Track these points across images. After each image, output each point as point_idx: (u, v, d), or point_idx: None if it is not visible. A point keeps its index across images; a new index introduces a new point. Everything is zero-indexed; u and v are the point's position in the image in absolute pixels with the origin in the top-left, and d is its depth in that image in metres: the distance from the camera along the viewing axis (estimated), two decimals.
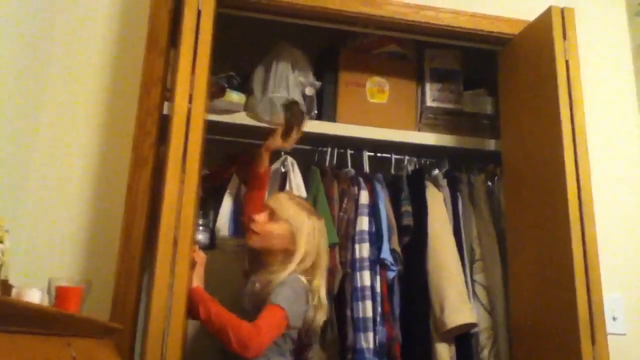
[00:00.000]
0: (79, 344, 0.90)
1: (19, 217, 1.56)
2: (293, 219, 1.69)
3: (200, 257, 1.66)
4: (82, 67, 1.78)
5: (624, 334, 1.87)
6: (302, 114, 2.02)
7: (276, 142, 1.94)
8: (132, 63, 1.78)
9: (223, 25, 1.78)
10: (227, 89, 2.05)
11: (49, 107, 1.71)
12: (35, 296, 1.04)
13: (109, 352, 1.13)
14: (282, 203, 1.73)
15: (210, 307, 1.51)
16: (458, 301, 1.93)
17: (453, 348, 1.94)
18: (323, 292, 1.68)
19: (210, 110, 1.94)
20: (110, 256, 1.59)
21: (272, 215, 1.71)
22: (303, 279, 1.64)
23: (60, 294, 1.15)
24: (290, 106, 2.02)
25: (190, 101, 1.59)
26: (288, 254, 1.67)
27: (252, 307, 1.63)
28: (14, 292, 1.05)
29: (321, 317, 1.68)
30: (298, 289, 1.61)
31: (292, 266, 1.63)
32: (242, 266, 1.88)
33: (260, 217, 1.70)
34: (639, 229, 2.01)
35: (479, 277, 2.05)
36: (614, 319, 1.84)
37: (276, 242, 1.69)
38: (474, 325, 1.94)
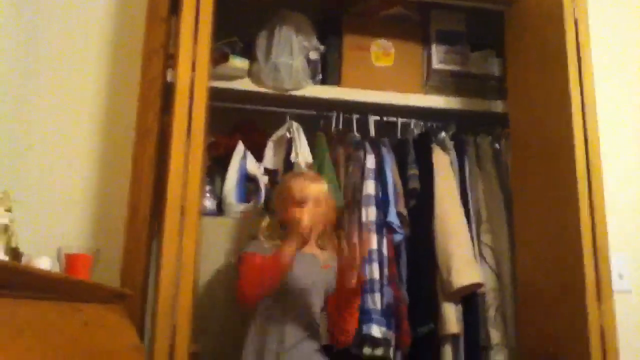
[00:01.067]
0: (90, 310, 0.92)
1: (26, 188, 1.57)
2: (327, 195, 1.78)
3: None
4: (84, 37, 1.76)
5: (630, 291, 1.88)
6: None
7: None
8: (133, 32, 1.76)
9: None
10: (230, 55, 2.04)
11: (51, 78, 1.71)
12: (45, 263, 1.07)
13: (119, 318, 1.16)
14: (321, 189, 1.77)
15: None
16: (465, 262, 1.95)
17: (460, 308, 1.97)
18: None
19: (213, 77, 1.92)
20: (118, 226, 1.61)
21: (317, 203, 1.73)
22: None
23: (69, 262, 1.17)
24: None
25: (193, 69, 1.58)
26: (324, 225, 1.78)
27: (322, 286, 1.71)
28: (24, 259, 1.08)
29: None
30: None
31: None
32: (249, 231, 1.90)
33: (311, 211, 1.71)
34: None
35: (485, 238, 2.07)
36: (620, 276, 1.85)
37: (322, 222, 1.76)
38: (480, 285, 1.96)
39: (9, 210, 1.00)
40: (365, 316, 1.86)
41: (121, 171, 1.66)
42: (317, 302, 1.70)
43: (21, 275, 0.69)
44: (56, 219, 1.60)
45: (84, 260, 1.19)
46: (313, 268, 1.72)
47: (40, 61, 1.70)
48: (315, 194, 1.74)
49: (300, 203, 1.71)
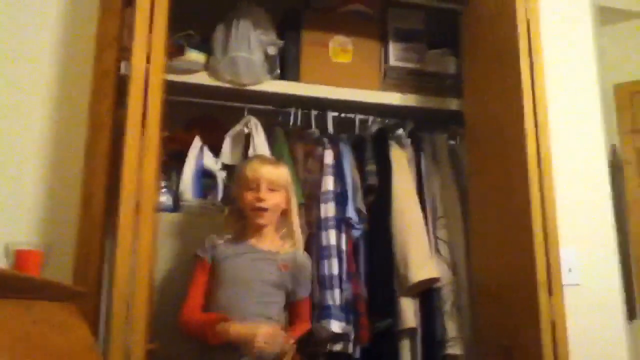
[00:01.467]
0: (40, 308, 0.88)
1: None
2: (287, 182, 1.75)
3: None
4: (35, 29, 1.70)
5: (578, 284, 1.96)
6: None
7: None
8: (86, 24, 1.71)
9: None
10: (187, 48, 2.00)
11: (1, 69, 1.63)
12: None
13: (72, 316, 1.11)
14: (276, 172, 1.73)
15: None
16: (421, 257, 1.98)
17: (417, 302, 1.99)
18: None
19: (169, 70, 1.88)
20: (70, 221, 1.55)
21: (271, 186, 1.70)
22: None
23: (19, 258, 1.12)
24: None
25: (148, 61, 1.53)
26: (284, 213, 1.75)
27: (274, 281, 1.68)
28: None
29: None
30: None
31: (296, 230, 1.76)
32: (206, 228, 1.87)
33: (265, 194, 1.68)
34: (592, 187, 2.08)
35: (441, 233, 2.10)
36: (569, 270, 1.92)
37: (279, 210, 1.74)
38: (436, 280, 1.99)
39: None
40: (324, 312, 1.86)
41: (74, 166, 1.61)
42: (275, 310, 1.68)
43: None
44: (5, 215, 1.53)
45: (34, 257, 1.14)
46: (268, 269, 1.69)
47: None
48: (268, 175, 1.70)
49: (253, 186, 1.69)
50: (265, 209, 1.68)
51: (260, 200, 1.67)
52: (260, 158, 1.84)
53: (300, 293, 1.74)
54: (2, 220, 1.51)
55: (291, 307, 1.75)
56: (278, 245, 1.74)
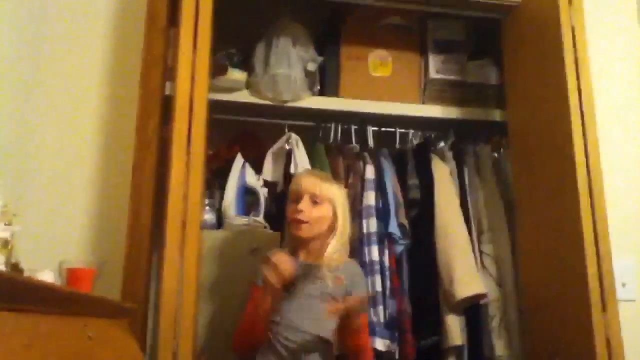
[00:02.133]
0: (95, 324, 0.90)
1: (27, 202, 1.55)
2: (335, 196, 1.67)
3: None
4: (84, 49, 1.76)
5: (634, 300, 1.87)
6: None
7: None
8: (133, 43, 1.76)
9: (221, 1, 1.75)
10: (229, 67, 2.03)
11: (51, 90, 1.70)
12: (47, 277, 1.04)
13: (123, 332, 1.13)
14: (320, 185, 1.67)
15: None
16: (467, 273, 1.93)
17: (463, 319, 1.95)
18: None
19: (212, 89, 1.91)
20: (118, 238, 1.59)
21: (314, 199, 1.65)
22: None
23: (71, 276, 1.15)
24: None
25: (192, 81, 1.57)
26: (331, 229, 1.66)
27: (320, 298, 1.58)
28: (25, 275, 1.05)
29: None
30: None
31: (340, 244, 1.67)
32: (250, 245, 1.88)
33: (305, 205, 1.63)
34: None
35: (486, 248, 2.05)
36: (623, 285, 1.84)
37: (324, 224, 1.65)
38: (483, 296, 1.95)
39: (9, 224, 0.98)
40: (369, 329, 1.84)
41: (121, 183, 1.65)
42: (330, 325, 1.59)
43: (26, 288, 0.66)
44: (57, 232, 1.58)
45: (86, 275, 1.17)
46: (319, 283, 1.61)
47: (41, 73, 1.69)
48: (311, 188, 1.63)
49: (294, 198, 1.65)
50: (303, 222, 1.62)
51: (298, 212, 1.62)
52: (308, 171, 1.83)
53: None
54: (55, 239, 1.56)
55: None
56: (325, 259, 1.65)
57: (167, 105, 1.69)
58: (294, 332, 1.54)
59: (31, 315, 0.67)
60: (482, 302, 1.96)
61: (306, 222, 1.63)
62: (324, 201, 1.66)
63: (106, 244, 1.60)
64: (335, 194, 1.68)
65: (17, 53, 1.53)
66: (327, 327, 1.57)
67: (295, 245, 1.68)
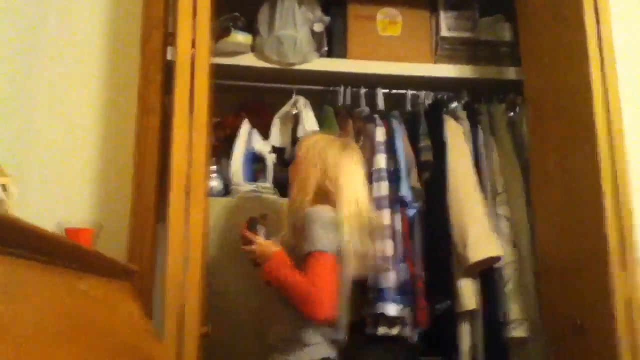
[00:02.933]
0: (91, 281, 0.87)
1: (28, 166, 1.53)
2: (310, 153, 1.58)
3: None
4: (84, 13, 1.73)
5: None
6: None
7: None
8: (132, 6, 1.71)
9: None
10: (233, 30, 1.97)
11: (52, 55, 1.67)
12: None
13: (123, 294, 1.10)
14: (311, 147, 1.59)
15: (281, 274, 1.43)
16: (481, 235, 1.88)
17: (478, 282, 1.90)
18: (347, 230, 1.46)
19: (216, 53, 1.87)
20: (122, 204, 1.57)
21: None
22: (329, 208, 1.48)
23: (69, 236, 1.13)
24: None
25: (193, 45, 1.52)
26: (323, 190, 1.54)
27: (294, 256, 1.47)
28: None
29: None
30: (324, 218, 1.45)
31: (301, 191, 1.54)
32: (259, 211, 1.85)
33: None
34: None
35: (502, 209, 2.00)
36: None
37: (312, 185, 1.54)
38: (497, 259, 1.90)
39: (3, 185, 0.95)
40: (380, 294, 1.81)
41: (125, 148, 1.62)
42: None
43: (15, 229, 0.63)
44: (59, 194, 1.56)
45: (85, 235, 1.14)
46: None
47: (42, 38, 1.65)
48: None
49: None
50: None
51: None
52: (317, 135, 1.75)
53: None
54: (56, 199, 1.54)
55: None
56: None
57: (169, 73, 1.65)
58: None
59: (16, 260, 0.63)
60: (496, 265, 1.92)
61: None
62: (300, 162, 1.60)
63: (111, 207, 1.58)
64: (307, 149, 1.59)
65: (19, 17, 1.49)
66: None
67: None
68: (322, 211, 1.47)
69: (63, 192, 1.56)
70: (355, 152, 1.63)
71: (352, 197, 1.52)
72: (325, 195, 1.53)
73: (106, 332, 0.78)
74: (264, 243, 1.53)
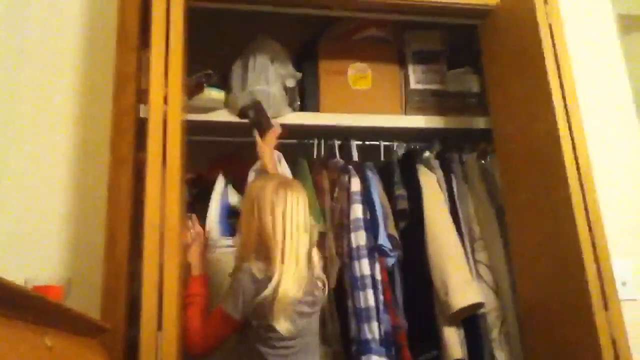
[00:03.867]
0: (56, 337, 0.81)
1: None
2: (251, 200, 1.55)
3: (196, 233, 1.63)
4: (55, 65, 1.75)
5: (635, 299, 1.82)
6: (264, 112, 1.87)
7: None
8: (104, 60, 1.73)
9: (197, 21, 1.72)
10: (206, 87, 1.99)
11: (25, 105, 1.67)
12: None
13: (91, 352, 1.04)
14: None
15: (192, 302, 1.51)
16: (462, 282, 1.87)
17: (461, 331, 1.87)
18: (276, 281, 1.40)
19: (189, 110, 1.87)
20: (93, 258, 1.52)
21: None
22: (254, 267, 1.43)
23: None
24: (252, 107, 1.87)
25: (165, 102, 1.53)
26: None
27: None
28: None
29: (279, 308, 1.40)
30: (240, 280, 1.43)
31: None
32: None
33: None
34: None
35: (480, 256, 2.00)
36: (623, 284, 1.78)
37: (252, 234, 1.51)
38: (480, 305, 1.88)
39: None
40: (363, 346, 1.76)
41: (97, 202, 1.60)
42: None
43: None
44: (27, 251, 1.51)
45: (53, 292, 1.10)
46: None
47: (14, 89, 1.65)
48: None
49: None
50: None
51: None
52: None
53: None
54: (25, 256, 1.49)
55: None
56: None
57: (141, 129, 1.64)
58: None
59: None
60: (479, 312, 1.89)
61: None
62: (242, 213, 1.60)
63: (82, 263, 1.53)
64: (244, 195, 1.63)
65: None
66: None
67: None
68: (247, 275, 1.43)
69: (31, 248, 1.51)
70: (295, 191, 1.53)
71: (288, 249, 1.45)
72: (266, 246, 1.46)
73: None
74: (195, 256, 1.61)
